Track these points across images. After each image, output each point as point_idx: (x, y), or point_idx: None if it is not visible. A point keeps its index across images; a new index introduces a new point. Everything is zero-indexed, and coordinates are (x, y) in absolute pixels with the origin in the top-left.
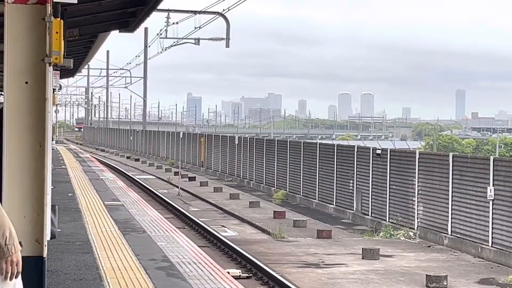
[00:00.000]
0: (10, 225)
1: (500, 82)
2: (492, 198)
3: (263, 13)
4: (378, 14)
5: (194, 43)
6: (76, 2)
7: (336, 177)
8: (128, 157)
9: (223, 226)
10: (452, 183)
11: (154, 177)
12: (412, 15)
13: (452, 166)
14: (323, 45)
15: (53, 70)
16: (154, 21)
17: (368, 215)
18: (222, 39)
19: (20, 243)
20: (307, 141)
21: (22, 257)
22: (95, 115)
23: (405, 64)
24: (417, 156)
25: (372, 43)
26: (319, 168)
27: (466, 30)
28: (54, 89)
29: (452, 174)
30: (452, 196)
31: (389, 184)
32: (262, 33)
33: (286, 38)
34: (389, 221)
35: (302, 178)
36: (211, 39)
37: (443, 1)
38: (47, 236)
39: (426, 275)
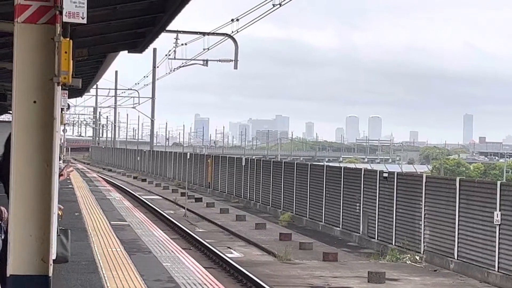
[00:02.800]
0: None
1: (506, 106)
2: (499, 223)
3: (258, 36)
4: (371, 37)
5: (203, 64)
6: (85, 22)
7: (343, 200)
8: (135, 177)
9: (229, 247)
10: (459, 207)
11: (160, 197)
12: (404, 38)
13: (459, 190)
14: (321, 68)
15: (61, 89)
16: (162, 42)
17: (374, 238)
18: (231, 60)
19: None
20: (314, 163)
21: (28, 275)
22: (102, 135)
23: (407, 87)
24: (424, 180)
25: (370, 66)
26: (325, 190)
27: (459, 54)
28: (62, 109)
29: (459, 199)
30: (458, 220)
31: (396, 208)
32: (259, 55)
33: (283, 60)
34: (395, 245)
35: (309, 201)
36: (219, 60)
37: (434, 24)
38: (53, 255)
39: None
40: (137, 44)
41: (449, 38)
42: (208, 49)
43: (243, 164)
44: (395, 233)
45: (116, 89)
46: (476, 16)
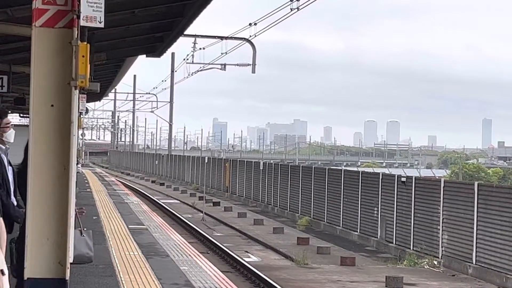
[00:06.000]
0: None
1: None
2: None
3: (261, 39)
4: (374, 40)
5: (220, 69)
6: (102, 26)
7: (361, 204)
8: (153, 181)
9: (246, 251)
10: (477, 212)
11: (178, 201)
12: (407, 42)
13: (477, 195)
14: (327, 72)
15: (80, 93)
16: (181, 46)
17: (392, 243)
18: (248, 64)
19: (1, 271)
20: (331, 167)
21: (45, 279)
22: (121, 139)
23: (417, 91)
24: (442, 185)
25: (376, 70)
26: (343, 195)
27: (462, 57)
28: (80, 113)
29: (477, 203)
30: (477, 225)
31: (414, 212)
32: (265, 59)
33: (288, 64)
34: (413, 249)
35: (327, 205)
36: (237, 64)
37: (435, 28)
38: (70, 258)
39: None
40: (155, 48)
41: (452, 41)
42: (226, 53)
43: (261, 168)
44: (413, 238)
45: (134, 93)
46: (478, 19)
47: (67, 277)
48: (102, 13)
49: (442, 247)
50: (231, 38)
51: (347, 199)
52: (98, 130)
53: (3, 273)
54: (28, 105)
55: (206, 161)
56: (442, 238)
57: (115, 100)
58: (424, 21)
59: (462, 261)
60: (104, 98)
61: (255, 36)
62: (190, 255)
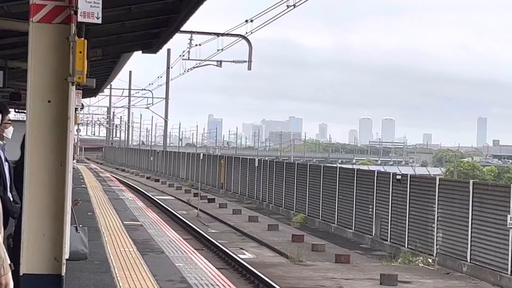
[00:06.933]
0: (1, 246)
1: None
2: None
3: (257, 37)
4: (366, 39)
5: (216, 65)
6: (100, 22)
7: (356, 202)
8: (148, 178)
9: (241, 248)
10: (472, 210)
11: (173, 198)
12: (398, 41)
13: (472, 193)
14: (319, 70)
15: (75, 89)
16: (177, 42)
17: (387, 240)
18: (244, 61)
19: (10, 265)
20: (327, 165)
21: (41, 274)
22: (116, 135)
23: (411, 90)
24: (437, 183)
25: (368, 68)
26: (338, 192)
27: (457, 56)
28: (76, 108)
29: (472, 201)
30: (471, 223)
31: (409, 210)
32: (259, 57)
33: (280, 61)
34: (408, 247)
35: (322, 202)
36: (233, 61)
37: (425, 27)
38: (66, 254)
39: None
40: (152, 44)
41: (444, 41)
42: (222, 50)
43: (256, 165)
44: (407, 236)
45: (130, 89)
46: (470, 18)
47: (63, 273)
48: (99, 8)
49: (437, 245)
50: (227, 34)
51: (342, 197)
52: (93, 126)
53: (11, 268)
54: (24, 101)
55: (201, 157)
56: (437, 236)
57: (110, 96)
58: (420, 19)
59: (457, 259)
60: (99, 94)
61: (251, 33)
62: (185, 251)
